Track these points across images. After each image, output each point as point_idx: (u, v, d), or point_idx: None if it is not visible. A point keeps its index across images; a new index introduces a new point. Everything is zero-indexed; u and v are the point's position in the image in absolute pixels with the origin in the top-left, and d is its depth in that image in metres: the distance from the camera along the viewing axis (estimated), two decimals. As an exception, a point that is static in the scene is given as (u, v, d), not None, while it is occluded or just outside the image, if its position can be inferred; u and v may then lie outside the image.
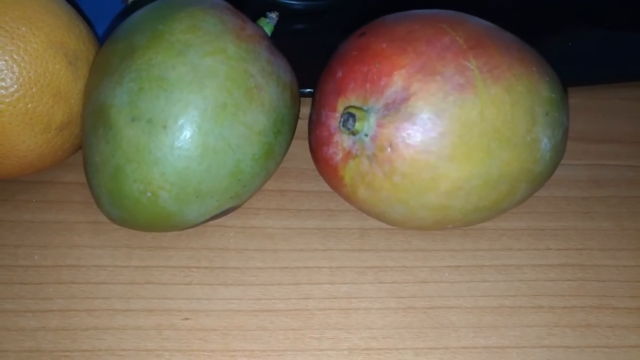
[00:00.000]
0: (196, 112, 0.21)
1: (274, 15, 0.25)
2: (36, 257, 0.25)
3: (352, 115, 0.21)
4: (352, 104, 0.22)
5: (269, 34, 0.25)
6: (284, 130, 0.24)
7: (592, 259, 0.26)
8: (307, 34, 0.34)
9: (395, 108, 0.21)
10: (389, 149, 0.21)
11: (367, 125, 0.21)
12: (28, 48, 0.23)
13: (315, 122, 0.24)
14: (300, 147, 0.29)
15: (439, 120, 0.20)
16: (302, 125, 0.30)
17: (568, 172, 0.29)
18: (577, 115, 0.31)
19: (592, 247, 0.27)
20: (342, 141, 0.22)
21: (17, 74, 0.23)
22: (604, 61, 0.33)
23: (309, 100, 0.31)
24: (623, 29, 0.34)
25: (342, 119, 0.21)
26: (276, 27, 0.25)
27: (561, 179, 0.29)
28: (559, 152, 0.23)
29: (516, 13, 0.34)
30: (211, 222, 0.26)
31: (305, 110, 0.31)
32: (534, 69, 0.22)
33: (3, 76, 0.22)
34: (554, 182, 0.29)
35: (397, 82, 0.21)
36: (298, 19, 0.34)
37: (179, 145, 0.21)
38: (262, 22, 0.25)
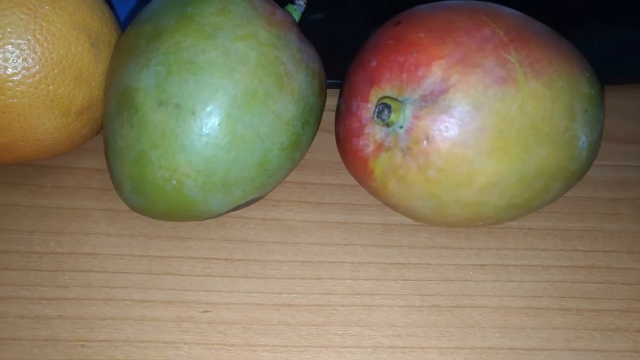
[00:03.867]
0: (226, 98, 0.21)
1: (302, 2, 0.25)
2: (52, 244, 0.25)
3: (388, 106, 0.20)
4: (386, 95, 0.21)
5: (297, 20, 0.24)
6: (311, 121, 0.23)
7: (619, 261, 0.26)
8: (328, 24, 0.33)
9: (433, 100, 0.20)
10: (424, 142, 0.20)
11: (402, 116, 0.20)
12: (51, 28, 0.22)
13: (344, 113, 0.23)
14: (321, 139, 0.29)
15: (478, 114, 0.20)
16: (324, 116, 0.29)
17: (594, 173, 0.29)
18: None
19: (619, 250, 0.26)
20: (374, 133, 0.21)
21: (39, 54, 0.22)
22: (630, 60, 0.32)
23: (329, 91, 0.31)
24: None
25: (376, 110, 0.20)
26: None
27: (587, 180, 0.28)
28: (594, 151, 0.23)
29: (541, 9, 0.34)
30: (231, 213, 0.26)
31: (326, 101, 0.30)
32: (574, 64, 0.21)
33: (25, 56, 0.22)
34: (580, 182, 0.28)
35: (435, 72, 0.20)
36: (320, 8, 0.33)
37: (207, 132, 0.21)
38: (290, 8, 0.25)
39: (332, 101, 0.30)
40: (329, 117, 0.29)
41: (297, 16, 0.24)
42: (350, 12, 0.33)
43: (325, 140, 0.29)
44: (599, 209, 0.27)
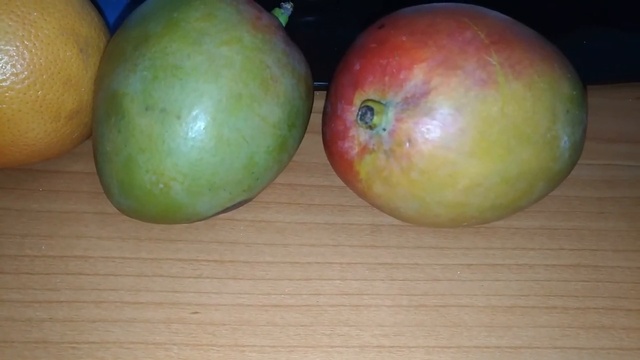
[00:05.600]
0: (211, 102, 0.21)
1: (288, 6, 0.25)
2: (43, 247, 0.25)
3: (370, 109, 0.20)
4: (370, 97, 0.21)
5: (284, 24, 0.25)
6: (298, 124, 0.24)
7: (605, 260, 0.26)
8: (317, 27, 0.33)
9: (415, 102, 0.20)
10: (407, 144, 0.20)
11: (385, 119, 0.21)
12: (39, 34, 0.22)
13: (330, 115, 0.23)
14: (310, 141, 0.29)
15: (460, 116, 0.20)
16: (313, 119, 0.30)
17: (582, 172, 0.29)
18: (591, 115, 0.31)
19: (605, 248, 0.26)
20: (359, 135, 0.22)
21: (28, 60, 0.22)
22: (618, 60, 0.33)
23: (319, 93, 0.31)
24: (638, 29, 0.34)
25: (359, 113, 0.21)
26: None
27: (575, 179, 0.28)
28: (577, 151, 0.23)
29: (530, 11, 0.34)
30: (221, 215, 0.26)
31: (316, 104, 0.31)
32: (555, 65, 0.21)
33: (14, 62, 0.22)
34: (567, 181, 0.28)
35: (417, 75, 0.20)
36: (308, 10, 0.34)
37: (193, 136, 0.21)
38: (277, 12, 0.25)
39: (322, 103, 0.30)
40: (318, 118, 0.30)
41: (283, 20, 0.25)
42: (340, 14, 0.34)
43: (314, 142, 0.29)
44: (586, 208, 0.28)
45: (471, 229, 0.26)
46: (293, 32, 0.25)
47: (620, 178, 0.29)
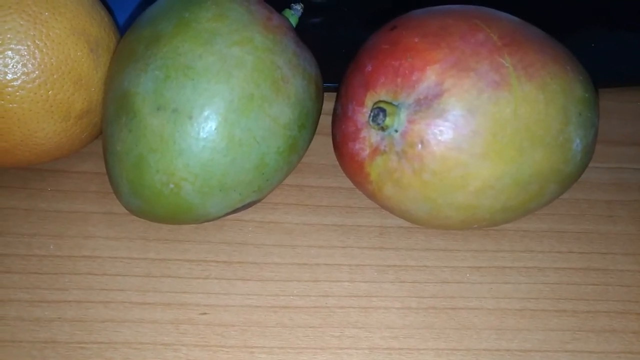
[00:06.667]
0: (223, 102, 0.21)
1: (299, 7, 0.25)
2: (51, 247, 0.25)
3: (383, 110, 0.20)
4: (382, 99, 0.21)
5: (294, 25, 0.25)
6: (308, 125, 0.24)
7: (615, 263, 0.26)
8: (325, 28, 0.33)
9: (427, 104, 0.20)
10: (419, 146, 0.20)
11: (397, 120, 0.21)
12: (50, 34, 0.22)
13: (340, 117, 0.23)
14: (319, 143, 0.29)
15: (472, 118, 0.20)
16: (322, 120, 0.30)
17: (590, 175, 0.29)
18: (600, 117, 0.31)
19: (615, 252, 0.26)
20: (370, 137, 0.22)
21: (39, 60, 0.22)
22: (627, 63, 0.32)
23: (327, 95, 0.31)
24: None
25: (371, 114, 0.21)
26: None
27: (583, 182, 0.28)
28: (589, 153, 0.23)
29: (538, 12, 0.34)
30: (229, 216, 0.26)
31: (324, 105, 0.30)
32: (567, 67, 0.21)
33: (25, 62, 0.22)
34: (576, 184, 0.28)
35: (430, 77, 0.20)
36: (316, 11, 0.34)
37: (205, 136, 0.21)
38: (287, 13, 0.25)
39: (330, 104, 0.30)
40: (326, 120, 0.29)
41: (294, 21, 0.25)
42: (348, 15, 0.34)
43: (323, 144, 0.29)
44: (595, 211, 0.27)
45: (480, 232, 0.26)
46: (301, 33, 0.25)
47: (629, 181, 0.29)
